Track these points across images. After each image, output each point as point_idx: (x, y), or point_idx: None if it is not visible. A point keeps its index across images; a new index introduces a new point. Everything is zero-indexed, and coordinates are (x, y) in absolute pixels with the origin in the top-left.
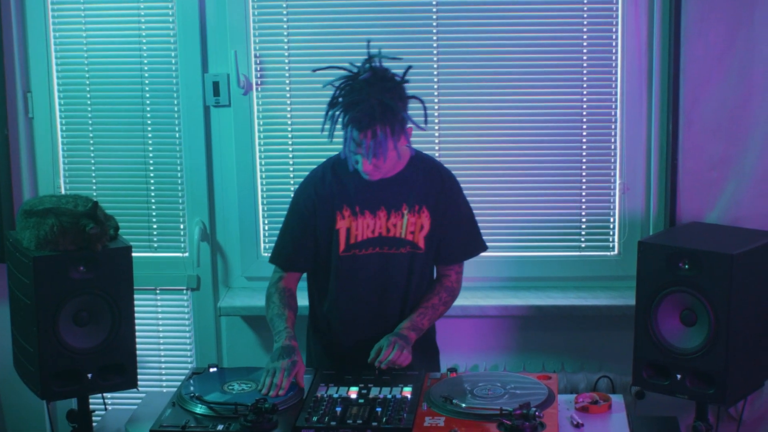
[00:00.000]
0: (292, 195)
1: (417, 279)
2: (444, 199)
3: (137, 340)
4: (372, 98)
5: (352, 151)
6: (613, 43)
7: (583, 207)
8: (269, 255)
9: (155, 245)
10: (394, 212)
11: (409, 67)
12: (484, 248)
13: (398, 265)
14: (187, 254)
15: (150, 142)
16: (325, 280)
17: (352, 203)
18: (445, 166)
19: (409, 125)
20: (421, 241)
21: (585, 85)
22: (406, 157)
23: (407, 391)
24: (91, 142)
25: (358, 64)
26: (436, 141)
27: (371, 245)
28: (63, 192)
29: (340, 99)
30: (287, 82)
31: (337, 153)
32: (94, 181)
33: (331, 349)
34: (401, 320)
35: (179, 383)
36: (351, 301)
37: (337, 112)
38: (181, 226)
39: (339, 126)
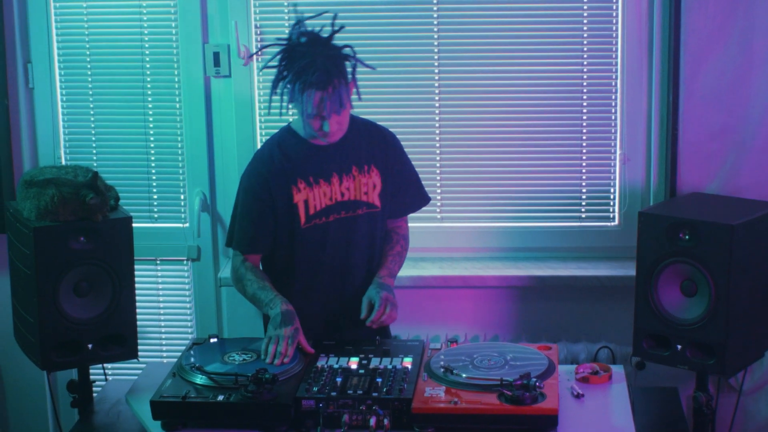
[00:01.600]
0: (240, 180)
1: (379, 237)
2: (391, 155)
3: (138, 310)
4: (318, 57)
5: (315, 115)
6: (614, 14)
7: (584, 177)
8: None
9: (156, 216)
10: (345, 176)
11: (335, 16)
12: (428, 200)
13: (360, 227)
14: (187, 225)
15: (150, 112)
16: (287, 256)
17: (306, 175)
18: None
19: (350, 78)
20: (376, 199)
21: (585, 56)
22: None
23: (407, 362)
24: (92, 112)
25: (284, 37)
26: (437, 111)
27: (331, 212)
28: (63, 162)
29: (285, 71)
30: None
31: (277, 131)
32: (94, 151)
33: (308, 323)
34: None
35: (180, 354)
36: (316, 271)
37: (288, 84)
38: (182, 197)
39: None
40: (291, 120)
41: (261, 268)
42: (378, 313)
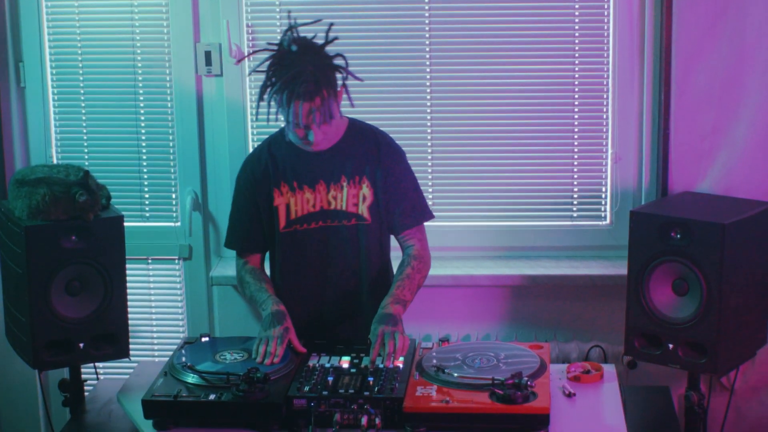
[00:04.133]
0: (235, 180)
1: (369, 251)
2: (386, 168)
3: (129, 309)
4: (307, 66)
5: (301, 125)
6: (605, 13)
7: (575, 177)
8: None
9: (147, 215)
10: (333, 185)
11: (331, 25)
12: (429, 216)
13: (345, 238)
14: (179, 224)
15: (142, 111)
16: (273, 257)
17: (290, 179)
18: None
19: (340, 86)
20: (366, 212)
21: (577, 55)
22: (342, 128)
23: (399, 361)
24: (83, 111)
25: (276, 42)
26: (428, 112)
27: (313, 219)
28: (55, 161)
29: (273, 79)
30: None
31: (273, 133)
32: (86, 150)
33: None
34: (362, 296)
35: (171, 353)
36: (297, 276)
37: (276, 92)
38: (173, 196)
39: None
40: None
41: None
42: (374, 352)
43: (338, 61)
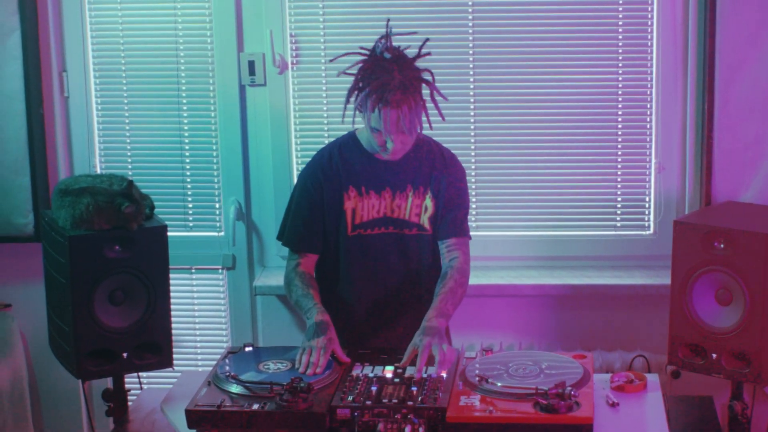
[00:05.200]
0: (298, 176)
1: (428, 260)
2: (446, 181)
3: (173, 319)
4: (397, 75)
5: (385, 132)
6: (649, 23)
7: (619, 186)
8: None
9: (191, 224)
10: (398, 193)
11: (426, 40)
12: (465, 235)
13: (407, 246)
14: (222, 233)
15: (185, 121)
16: (335, 262)
17: (358, 183)
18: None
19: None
20: (427, 222)
21: (620, 65)
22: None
23: (444, 372)
24: (127, 121)
25: (368, 46)
26: (472, 121)
27: (377, 225)
28: (98, 171)
29: (362, 83)
30: (323, 61)
31: (343, 134)
32: (129, 160)
33: (346, 332)
34: (422, 303)
35: (215, 362)
36: (363, 281)
37: (363, 96)
38: (217, 206)
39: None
40: (356, 129)
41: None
42: (422, 362)
43: (426, 76)
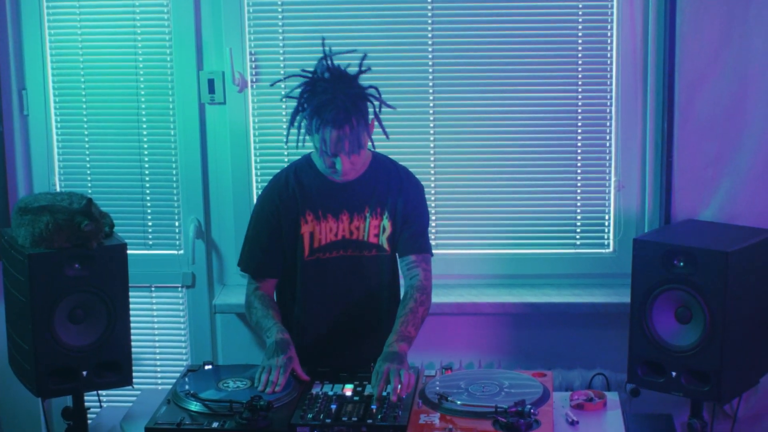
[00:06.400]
0: (256, 201)
1: (388, 280)
2: (402, 199)
3: (132, 337)
4: (339, 94)
5: (329, 153)
6: (608, 40)
7: (579, 204)
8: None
9: (150, 243)
10: (356, 215)
11: (364, 56)
12: (426, 251)
13: (366, 267)
14: (182, 252)
15: (145, 139)
16: (293, 285)
17: (315, 207)
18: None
19: (371, 118)
20: (386, 243)
21: (580, 83)
22: (368, 160)
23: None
24: (87, 139)
25: (310, 69)
26: (431, 138)
27: (335, 248)
28: (58, 189)
29: (305, 104)
30: (282, 79)
31: (299, 158)
32: (89, 178)
33: (305, 354)
34: (381, 323)
35: (174, 381)
36: (321, 305)
37: (305, 118)
38: (177, 224)
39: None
40: (311, 152)
41: (276, 294)
42: (379, 389)
43: (371, 92)
